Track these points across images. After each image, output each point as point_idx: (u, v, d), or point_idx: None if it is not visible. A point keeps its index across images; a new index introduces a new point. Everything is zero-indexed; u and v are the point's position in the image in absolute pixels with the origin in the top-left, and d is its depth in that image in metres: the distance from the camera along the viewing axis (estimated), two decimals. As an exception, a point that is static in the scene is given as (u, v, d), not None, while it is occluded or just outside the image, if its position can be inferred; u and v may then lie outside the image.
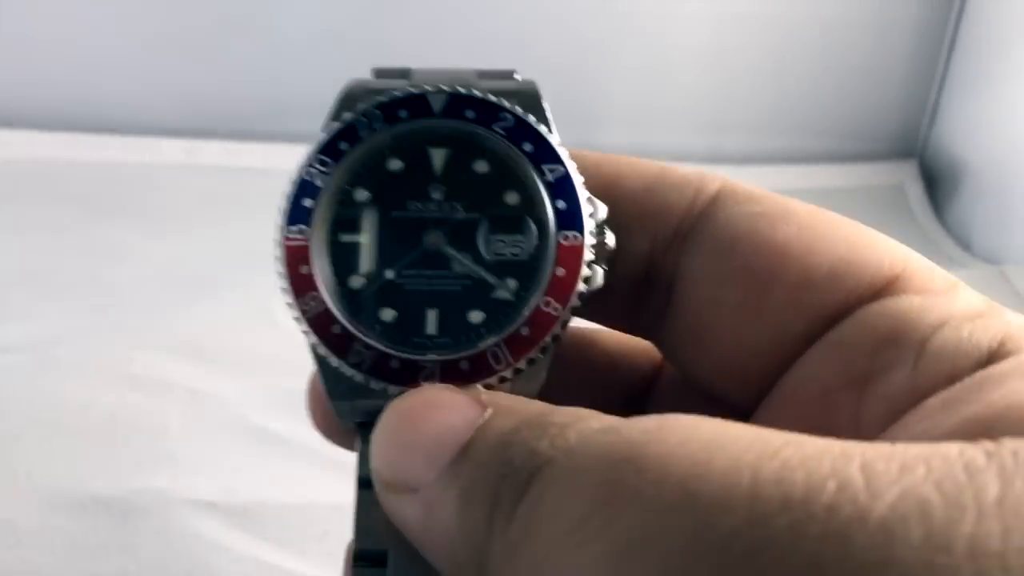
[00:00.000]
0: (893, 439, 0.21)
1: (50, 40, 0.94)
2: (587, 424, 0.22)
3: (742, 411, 0.28)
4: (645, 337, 0.31)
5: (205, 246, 0.80)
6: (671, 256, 0.29)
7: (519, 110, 0.28)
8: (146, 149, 0.94)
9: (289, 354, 0.64)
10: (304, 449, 0.55)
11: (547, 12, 0.97)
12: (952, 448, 0.18)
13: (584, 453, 0.21)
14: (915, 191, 1.00)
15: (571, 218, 0.27)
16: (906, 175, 1.02)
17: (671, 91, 1.01)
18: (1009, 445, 0.18)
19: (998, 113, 0.92)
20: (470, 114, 0.28)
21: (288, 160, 1.08)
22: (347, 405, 0.28)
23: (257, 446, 0.56)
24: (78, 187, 0.87)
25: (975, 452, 0.18)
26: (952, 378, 0.23)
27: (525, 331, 0.27)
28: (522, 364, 0.27)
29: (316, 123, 0.29)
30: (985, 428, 0.19)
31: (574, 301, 0.27)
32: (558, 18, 0.97)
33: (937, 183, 1.01)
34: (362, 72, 0.31)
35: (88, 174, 0.89)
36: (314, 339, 0.27)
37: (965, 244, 0.92)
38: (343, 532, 0.49)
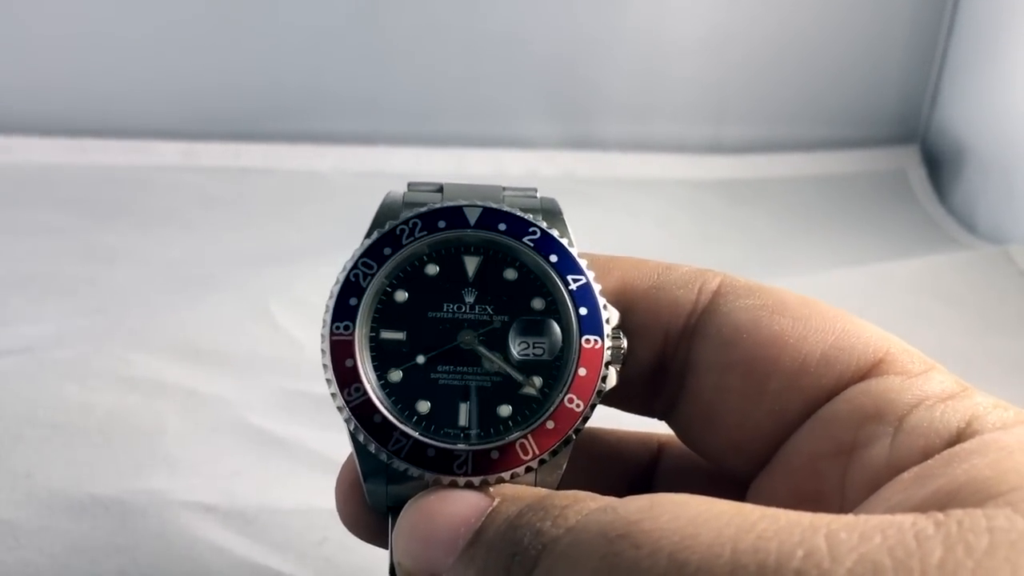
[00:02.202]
0: (872, 508, 0.25)
1: (46, 44, 0.94)
2: (585, 504, 0.25)
3: (745, 480, 0.32)
4: (661, 419, 0.35)
5: (203, 247, 0.80)
6: (682, 348, 0.32)
7: (544, 225, 0.32)
8: (144, 151, 0.94)
9: (288, 356, 0.65)
10: (303, 451, 0.55)
11: (545, 4, 0.96)
12: (907, 519, 0.21)
13: (585, 530, 0.24)
14: (917, 175, 0.99)
15: (592, 323, 0.30)
16: (908, 160, 1.01)
17: (669, 81, 1.00)
18: (956, 516, 0.21)
19: (999, 93, 0.91)
20: (502, 226, 0.31)
21: (286, 160, 1.09)
22: (381, 489, 0.30)
23: (256, 448, 0.55)
24: (76, 190, 0.87)
25: (926, 522, 0.21)
26: (925, 453, 0.26)
27: (550, 424, 0.30)
28: (546, 455, 0.30)
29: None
30: (947, 500, 0.22)
31: (594, 398, 0.30)
32: (555, 10, 0.97)
33: (940, 166, 1.00)
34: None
35: (86, 177, 0.90)
36: (357, 427, 0.29)
37: (970, 226, 0.91)
38: (341, 538, 0.49)
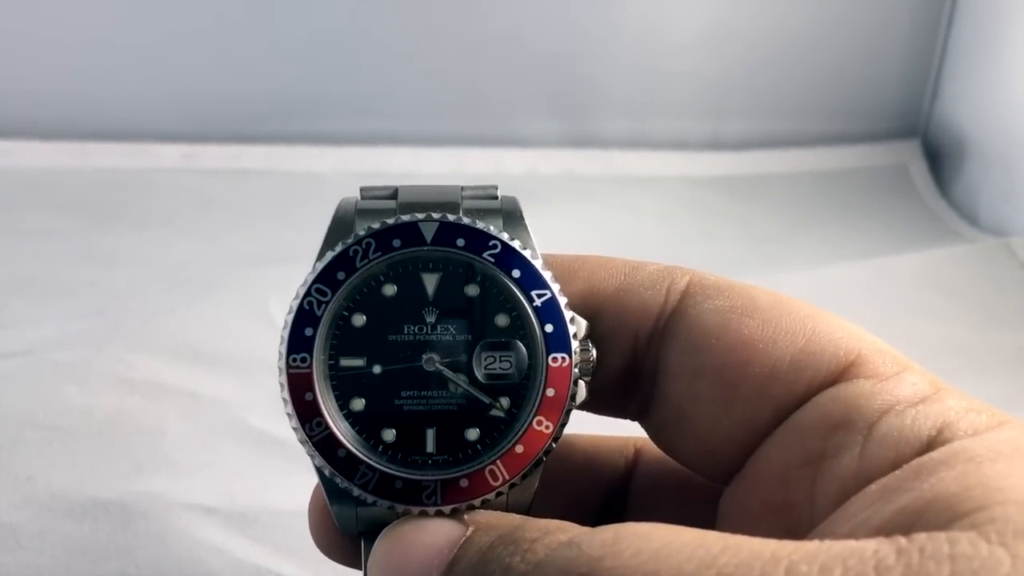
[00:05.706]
0: (836, 525, 0.25)
1: (46, 49, 0.94)
2: (555, 538, 0.25)
3: (718, 485, 0.32)
4: (635, 420, 0.34)
5: (204, 249, 0.80)
6: (652, 351, 0.31)
7: (506, 237, 0.30)
8: (144, 154, 0.94)
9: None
10: (303, 452, 0.55)
11: (543, 2, 0.96)
12: (869, 546, 0.21)
13: (550, 566, 0.24)
14: (918, 169, 0.99)
15: (559, 340, 0.29)
16: (909, 154, 1.01)
17: (669, 78, 1.00)
18: (919, 541, 0.21)
19: (1000, 86, 0.91)
20: (460, 242, 0.30)
21: (286, 162, 1.09)
22: (350, 513, 0.30)
23: (256, 450, 0.55)
24: (77, 193, 0.88)
25: (888, 550, 0.21)
26: (895, 463, 0.25)
27: (519, 448, 0.29)
28: (516, 479, 0.29)
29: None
30: (913, 520, 0.22)
31: (564, 418, 0.29)
32: (554, 8, 0.97)
33: (941, 160, 1.00)
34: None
35: (87, 180, 0.90)
36: (321, 462, 0.29)
37: (971, 218, 0.91)
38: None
